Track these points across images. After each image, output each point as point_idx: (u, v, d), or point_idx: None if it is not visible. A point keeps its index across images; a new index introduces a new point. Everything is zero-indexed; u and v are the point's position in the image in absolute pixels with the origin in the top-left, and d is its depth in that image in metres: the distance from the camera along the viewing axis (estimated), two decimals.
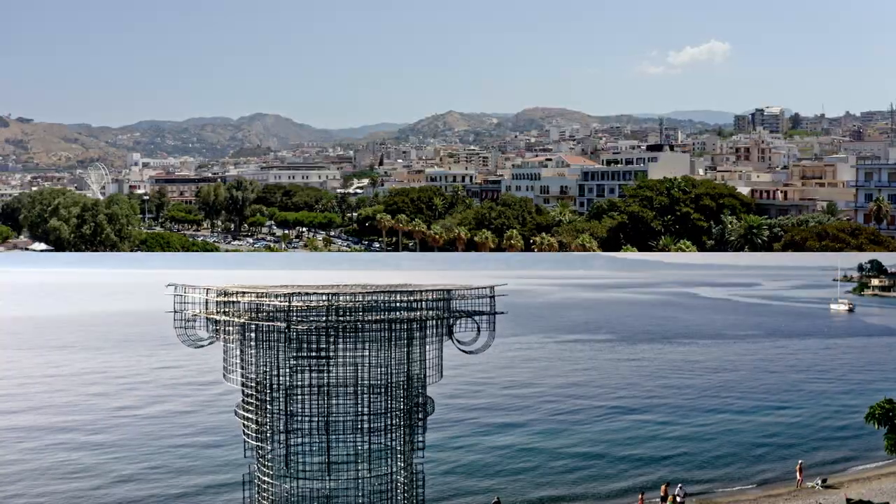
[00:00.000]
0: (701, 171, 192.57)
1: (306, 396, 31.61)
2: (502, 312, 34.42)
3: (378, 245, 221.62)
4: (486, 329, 34.37)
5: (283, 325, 30.60)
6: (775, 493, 58.84)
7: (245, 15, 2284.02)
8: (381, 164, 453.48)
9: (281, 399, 31.75)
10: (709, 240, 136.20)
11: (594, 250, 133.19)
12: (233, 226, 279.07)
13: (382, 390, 32.37)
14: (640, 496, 54.06)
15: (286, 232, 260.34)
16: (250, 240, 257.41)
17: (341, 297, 31.72)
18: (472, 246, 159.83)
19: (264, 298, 31.85)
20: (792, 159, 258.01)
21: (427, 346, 33.22)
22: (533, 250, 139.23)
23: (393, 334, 32.07)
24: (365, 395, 32.12)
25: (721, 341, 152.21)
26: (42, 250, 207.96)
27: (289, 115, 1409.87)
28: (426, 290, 33.33)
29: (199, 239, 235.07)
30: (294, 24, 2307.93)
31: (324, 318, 31.42)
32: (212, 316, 33.21)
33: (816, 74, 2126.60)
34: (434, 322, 33.13)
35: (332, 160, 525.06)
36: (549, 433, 73.40)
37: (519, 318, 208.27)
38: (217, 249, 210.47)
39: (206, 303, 33.66)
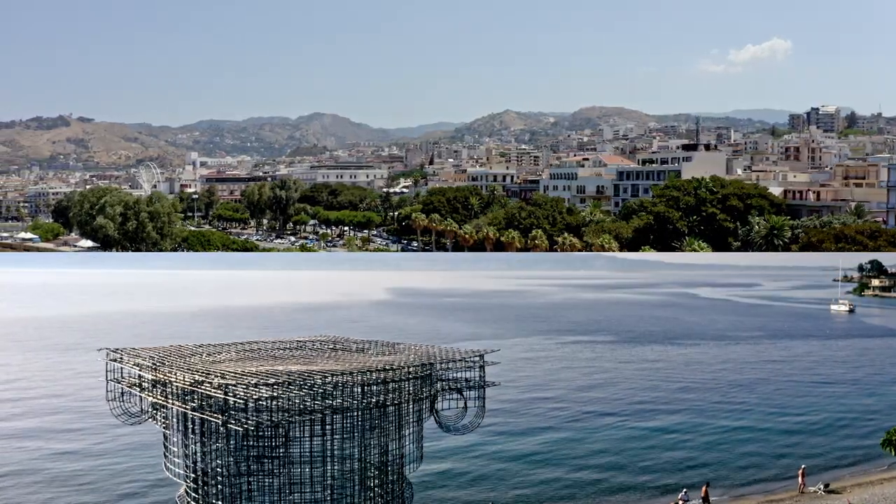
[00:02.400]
0: (739, 171, 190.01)
1: (256, 494, 27.18)
2: (493, 384, 30.77)
3: (416, 245, 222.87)
4: (476, 405, 30.61)
5: (220, 419, 25.82)
6: (777, 499, 58.27)
7: (304, 15, 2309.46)
8: (431, 163, 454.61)
9: (227, 497, 27.27)
10: (735, 241, 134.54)
11: (613, 251, 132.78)
12: (277, 224, 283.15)
13: (350, 484, 28.01)
14: (680, 495, 53.93)
15: (327, 231, 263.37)
16: (293, 238, 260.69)
17: (294, 387, 26.10)
18: (500, 246, 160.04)
19: (203, 381, 26.61)
20: (843, 159, 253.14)
21: (405, 428, 28.92)
22: (556, 250, 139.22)
23: (361, 423, 27.75)
24: (328, 491, 27.77)
25: (723, 343, 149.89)
26: (89, 248, 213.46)
27: (346, 115, 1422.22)
28: (403, 368, 28.26)
29: (242, 238, 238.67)
30: (353, 24, 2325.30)
31: (281, 404, 26.03)
32: (146, 396, 29.58)
33: (878, 73, 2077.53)
34: (413, 404, 28.88)
35: (383, 159, 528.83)
36: (566, 441, 72.06)
37: (522, 319, 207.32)
38: (256, 248, 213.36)
39: (140, 378, 29.88)
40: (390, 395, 27.87)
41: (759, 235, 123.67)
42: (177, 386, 27.46)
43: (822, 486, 59.26)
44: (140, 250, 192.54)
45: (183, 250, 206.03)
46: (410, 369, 28.53)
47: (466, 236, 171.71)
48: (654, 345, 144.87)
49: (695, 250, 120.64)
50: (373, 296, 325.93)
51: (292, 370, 28.19)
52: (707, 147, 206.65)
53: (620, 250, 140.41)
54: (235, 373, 26.94)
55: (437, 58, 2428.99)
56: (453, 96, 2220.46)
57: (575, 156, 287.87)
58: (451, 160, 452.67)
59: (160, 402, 28.49)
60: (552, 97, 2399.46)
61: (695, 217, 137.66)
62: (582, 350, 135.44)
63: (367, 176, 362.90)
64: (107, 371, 30.76)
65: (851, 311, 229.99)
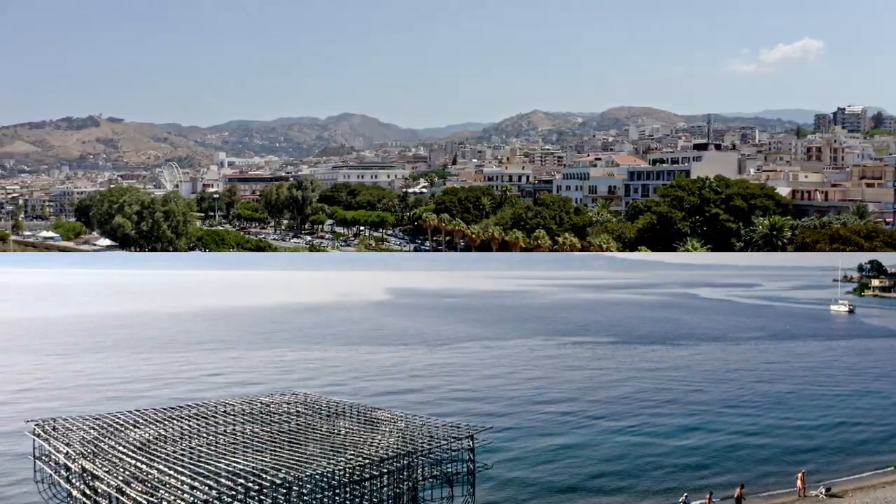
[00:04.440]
0: (752, 171, 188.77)
1: None
2: (486, 467, 28.04)
3: (429, 244, 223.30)
4: (465, 492, 27.06)
5: None
6: (777, 503, 57.70)
7: (334, 16, 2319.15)
8: (454, 163, 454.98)
9: None
10: (737, 241, 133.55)
11: (612, 251, 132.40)
12: (295, 224, 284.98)
13: None
14: (707, 496, 53.60)
15: (342, 230, 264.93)
16: (309, 238, 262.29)
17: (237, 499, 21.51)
18: (505, 246, 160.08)
19: (131, 483, 22.84)
20: (866, 159, 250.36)
21: None
22: (557, 250, 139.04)
23: None
24: None
25: (724, 345, 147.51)
26: (107, 247, 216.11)
27: (375, 115, 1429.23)
28: (377, 463, 24.41)
29: (259, 237, 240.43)
30: (382, 25, 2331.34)
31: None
32: (73, 491, 25.75)
33: None
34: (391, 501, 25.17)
35: (407, 159, 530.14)
36: (575, 449, 70.28)
37: (522, 320, 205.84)
38: (269, 247, 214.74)
39: (67, 467, 25.95)
40: (361, 495, 23.86)
41: (759, 235, 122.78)
42: (102, 488, 23.82)
43: (823, 490, 58.20)
44: (156, 249, 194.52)
45: (199, 249, 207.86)
46: (386, 461, 24.36)
47: (473, 236, 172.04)
48: (656, 346, 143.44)
49: (687, 250, 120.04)
50: (372, 296, 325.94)
51: (239, 466, 24.29)
52: (718, 147, 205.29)
53: (623, 250, 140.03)
54: (171, 472, 23.30)
55: (466, 58, 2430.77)
56: (482, 97, 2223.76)
57: (589, 156, 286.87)
58: (474, 160, 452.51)
59: (89, 496, 24.96)
60: (581, 97, 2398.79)
61: (697, 217, 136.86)
62: (584, 352, 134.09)
63: (388, 176, 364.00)
64: (34, 448, 27.31)
65: (851, 311, 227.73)
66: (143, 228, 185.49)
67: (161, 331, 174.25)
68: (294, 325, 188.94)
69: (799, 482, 58.40)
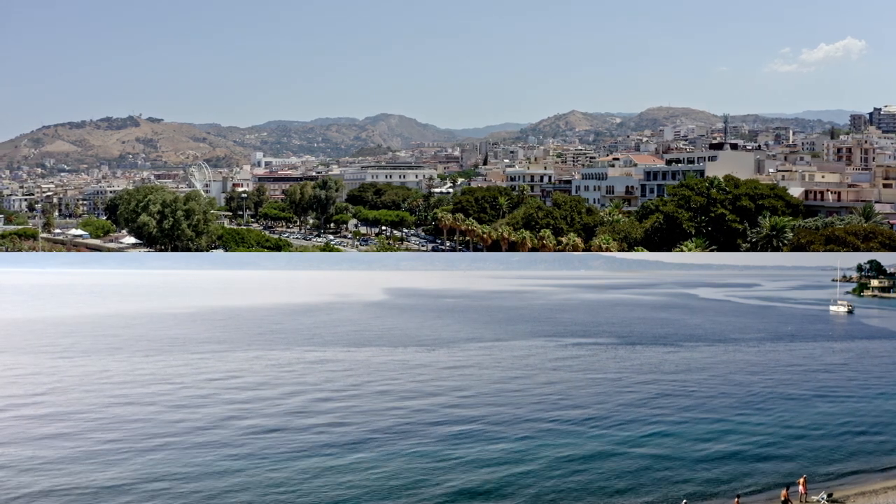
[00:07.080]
0: (771, 171, 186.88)
1: None
2: None
3: (448, 244, 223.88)
4: None
5: None
6: None
7: (372, 18, 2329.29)
8: (485, 163, 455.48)
9: None
10: (743, 242, 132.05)
11: (612, 251, 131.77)
12: (320, 223, 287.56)
13: None
14: (735, 499, 53.49)
15: (365, 230, 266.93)
16: (332, 237, 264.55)
17: None
18: (514, 245, 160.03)
19: None
20: None
21: None
22: (561, 250, 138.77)
23: None
24: None
25: (725, 346, 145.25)
26: (133, 245, 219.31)
27: (413, 116, 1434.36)
28: None
29: (281, 237, 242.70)
30: (420, 27, 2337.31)
31: None
32: None
33: None
34: None
35: (440, 160, 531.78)
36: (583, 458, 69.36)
37: (522, 321, 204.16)
38: (289, 246, 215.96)
39: None
40: None
41: (761, 236, 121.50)
42: None
43: (825, 496, 57.46)
44: (178, 248, 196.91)
45: (221, 248, 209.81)
46: None
47: (484, 236, 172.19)
48: (657, 349, 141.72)
49: (681, 250, 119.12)
50: (370, 297, 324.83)
51: None
52: (734, 147, 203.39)
53: (629, 250, 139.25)
54: None
55: (505, 60, 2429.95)
56: (521, 98, 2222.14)
57: (609, 156, 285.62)
58: (506, 161, 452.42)
59: None
60: (621, 98, 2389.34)
61: (703, 217, 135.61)
62: (585, 355, 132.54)
63: (416, 176, 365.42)
64: None
65: (850, 311, 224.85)
66: (165, 227, 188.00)
67: (159, 332, 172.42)
68: (290, 328, 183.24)
69: (801, 487, 57.65)
